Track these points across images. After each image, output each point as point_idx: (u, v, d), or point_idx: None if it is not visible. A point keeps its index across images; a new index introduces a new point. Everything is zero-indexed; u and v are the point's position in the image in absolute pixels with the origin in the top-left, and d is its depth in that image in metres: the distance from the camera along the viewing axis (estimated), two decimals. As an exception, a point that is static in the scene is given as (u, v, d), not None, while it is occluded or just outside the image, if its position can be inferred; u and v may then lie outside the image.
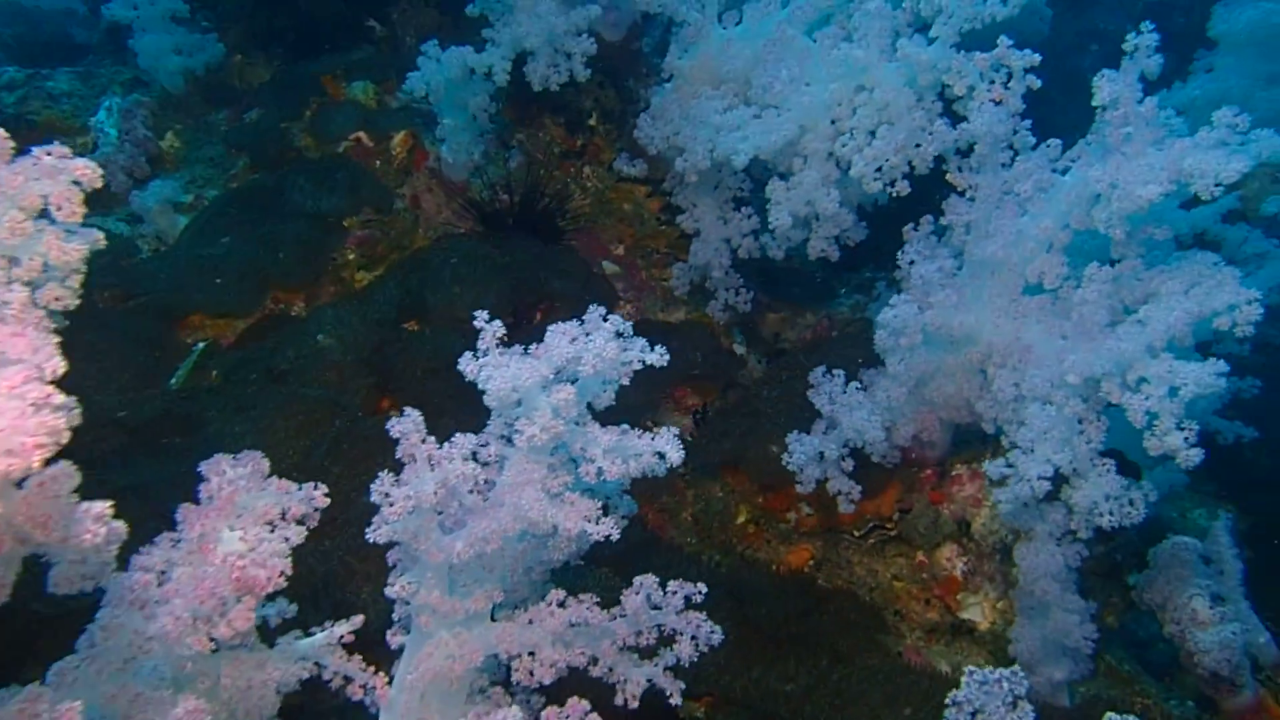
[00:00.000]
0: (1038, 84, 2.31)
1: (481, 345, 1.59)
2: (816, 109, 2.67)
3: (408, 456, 1.52)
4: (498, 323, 1.60)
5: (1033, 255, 2.36)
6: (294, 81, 3.30)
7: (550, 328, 1.64)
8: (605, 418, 1.78)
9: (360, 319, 2.64)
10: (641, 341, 1.73)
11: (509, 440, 1.65)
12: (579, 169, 3.66)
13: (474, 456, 1.68)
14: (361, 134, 3.27)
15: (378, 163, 3.30)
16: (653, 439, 1.71)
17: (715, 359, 3.33)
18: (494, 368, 1.56)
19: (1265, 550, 3.49)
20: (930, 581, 2.70)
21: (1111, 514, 2.11)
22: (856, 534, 2.79)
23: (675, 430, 1.73)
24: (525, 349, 1.65)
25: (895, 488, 2.79)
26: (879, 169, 2.49)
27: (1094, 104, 2.11)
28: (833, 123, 2.64)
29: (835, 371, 2.65)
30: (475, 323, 1.59)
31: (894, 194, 2.53)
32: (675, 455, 1.67)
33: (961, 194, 2.51)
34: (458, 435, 1.54)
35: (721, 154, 2.74)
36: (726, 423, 3.05)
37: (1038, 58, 2.29)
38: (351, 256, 3.07)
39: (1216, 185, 1.91)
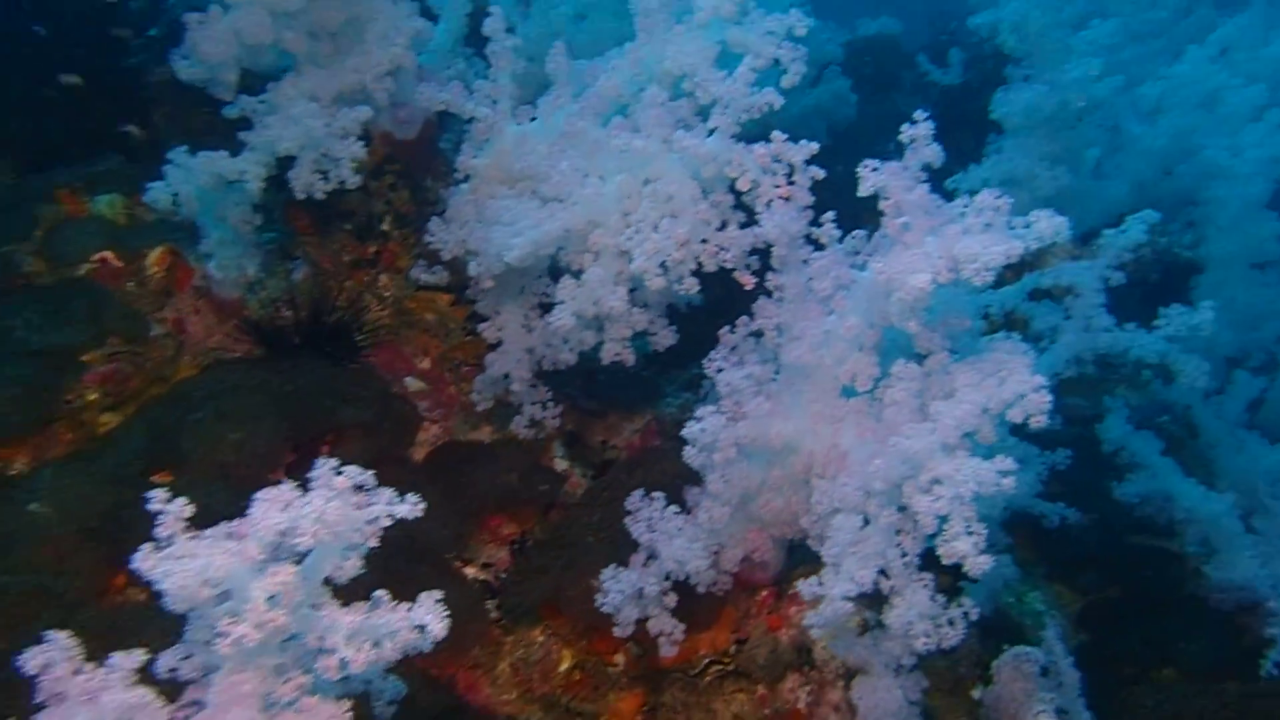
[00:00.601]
0: (821, 174, 2.20)
1: (162, 531, 1.25)
2: (606, 202, 2.49)
3: (52, 697, 1.15)
4: (180, 502, 1.27)
5: (844, 356, 2.21)
6: (20, 197, 2.86)
7: (258, 494, 1.33)
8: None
9: (88, 477, 2.21)
10: (388, 493, 1.49)
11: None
12: (374, 278, 3.34)
13: (173, 674, 1.34)
14: (108, 253, 2.85)
15: (130, 285, 2.88)
16: (409, 610, 1.47)
17: (533, 479, 3.04)
18: (175, 559, 1.22)
19: (1097, 633, 3.44)
20: (774, 718, 2.45)
21: (928, 635, 1.93)
22: (692, 672, 2.53)
23: (436, 594, 1.50)
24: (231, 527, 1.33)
25: (730, 616, 2.54)
26: (663, 264, 2.31)
27: (859, 195, 2.00)
28: (625, 216, 2.46)
29: (655, 494, 2.41)
30: (150, 505, 1.26)
31: (683, 290, 2.36)
32: (438, 627, 1.46)
33: (769, 295, 2.36)
34: (117, 656, 1.19)
35: (495, 250, 2.52)
36: (545, 555, 2.75)
37: (815, 147, 2.19)
38: (93, 396, 2.62)
39: (986, 270, 1.81)
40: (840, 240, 2.30)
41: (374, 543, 1.49)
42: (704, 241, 2.36)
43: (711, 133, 2.32)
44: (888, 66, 6.13)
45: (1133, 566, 3.59)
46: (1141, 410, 4.25)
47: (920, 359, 2.17)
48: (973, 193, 4.04)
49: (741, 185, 2.24)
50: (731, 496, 2.31)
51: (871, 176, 1.97)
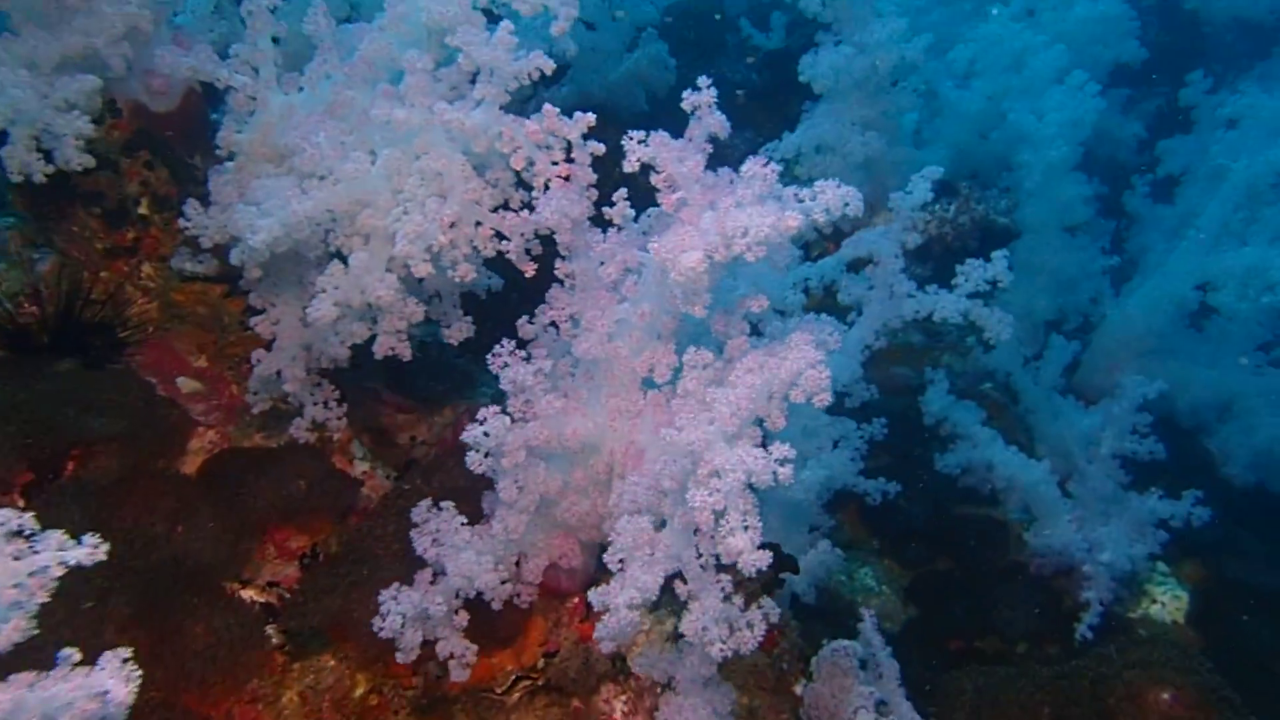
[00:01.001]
0: (601, 149, 2.00)
1: None
2: (374, 180, 2.22)
3: None
4: None
5: (641, 346, 2.03)
6: None
7: None
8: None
9: None
10: (56, 537, 1.27)
11: None
12: (135, 268, 2.95)
13: None
14: None
15: None
16: (88, 675, 1.25)
17: (326, 485, 2.74)
18: None
19: (926, 606, 3.44)
20: (587, 734, 2.28)
21: (723, 641, 1.79)
22: (499, 690, 2.32)
23: (122, 653, 1.29)
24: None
25: (538, 627, 2.35)
26: (429, 248, 2.08)
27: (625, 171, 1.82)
28: (397, 195, 2.20)
29: (444, 503, 2.18)
30: None
31: (458, 278, 2.13)
32: (123, 692, 1.24)
33: (562, 282, 2.16)
34: None
35: (236, 233, 2.24)
36: (335, 571, 2.47)
37: (591, 119, 1.98)
38: None
39: (757, 244, 1.66)
40: (636, 219, 2.12)
41: (44, 597, 1.27)
42: (478, 224, 2.12)
43: (479, 105, 2.08)
44: (710, 30, 5.99)
45: (959, 537, 3.61)
46: (966, 377, 4.30)
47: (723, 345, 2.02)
48: (787, 159, 3.95)
49: (515, 163, 2.01)
50: (528, 503, 2.10)
51: (637, 149, 1.78)
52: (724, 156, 5.25)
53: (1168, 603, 3.49)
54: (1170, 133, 4.81)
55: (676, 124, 2.06)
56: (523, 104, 4.97)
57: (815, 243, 4.04)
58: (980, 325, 3.06)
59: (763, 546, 2.54)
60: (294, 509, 2.65)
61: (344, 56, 2.53)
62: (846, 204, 1.71)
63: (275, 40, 2.68)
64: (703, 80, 1.84)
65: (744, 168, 1.75)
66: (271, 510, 2.63)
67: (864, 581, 3.54)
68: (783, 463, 1.66)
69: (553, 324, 2.22)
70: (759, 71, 5.58)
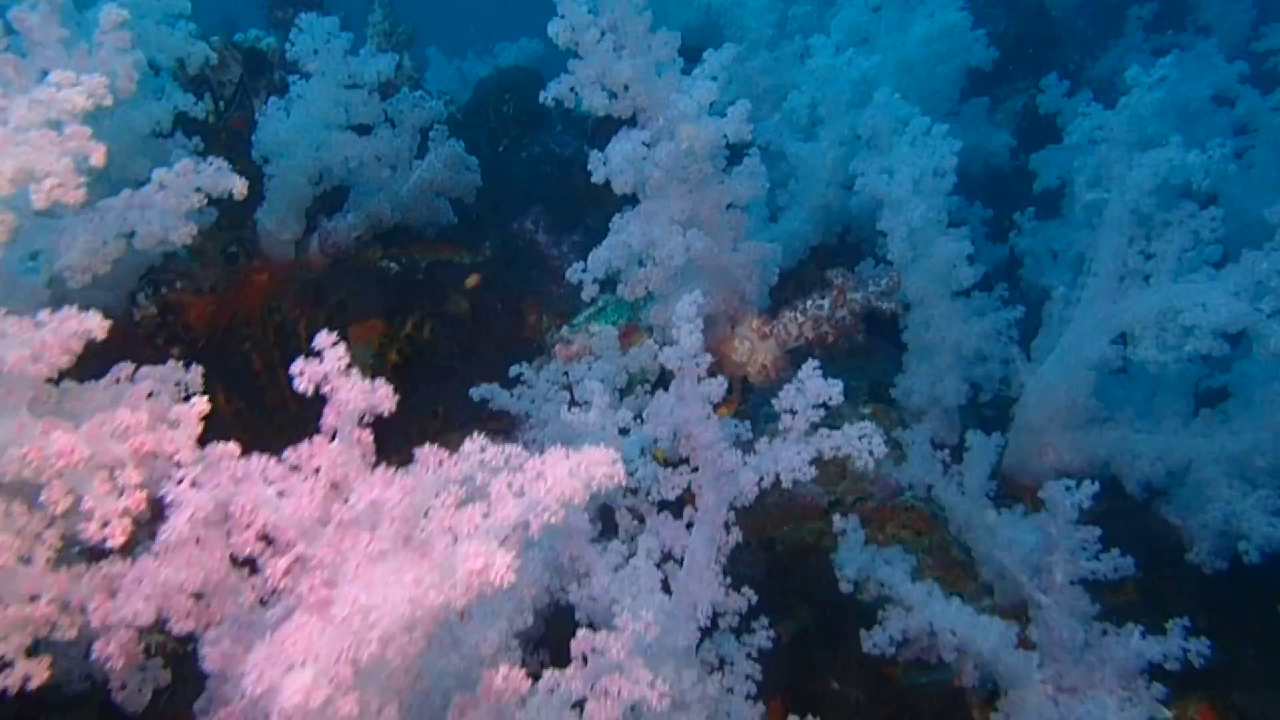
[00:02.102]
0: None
1: None
2: None
3: None
4: None
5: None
6: None
7: None
8: None
9: None
10: None
11: None
12: None
13: None
14: None
15: None
16: None
17: None
18: None
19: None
20: None
21: None
22: None
23: None
24: None
25: None
26: None
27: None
28: None
29: None
30: None
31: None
32: None
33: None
34: None
35: None
36: None
37: (204, 407, 1.12)
38: None
39: (404, 630, 0.90)
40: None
41: None
42: (36, 598, 1.23)
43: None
44: (530, 102, 5.22)
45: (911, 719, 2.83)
46: (881, 485, 3.57)
47: None
48: (597, 282, 3.09)
49: (52, 504, 1.12)
50: None
51: (190, 499, 0.95)
52: (547, 264, 4.28)
53: (1182, 765, 2.78)
54: (1040, 129, 4.29)
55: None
56: (301, 240, 4.03)
57: (636, 376, 3.18)
58: (847, 456, 2.33)
59: None
60: None
61: None
62: (591, 479, 0.93)
63: None
64: (322, 338, 1.01)
65: (354, 498, 0.95)
66: None
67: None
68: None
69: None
70: (590, 141, 4.81)
